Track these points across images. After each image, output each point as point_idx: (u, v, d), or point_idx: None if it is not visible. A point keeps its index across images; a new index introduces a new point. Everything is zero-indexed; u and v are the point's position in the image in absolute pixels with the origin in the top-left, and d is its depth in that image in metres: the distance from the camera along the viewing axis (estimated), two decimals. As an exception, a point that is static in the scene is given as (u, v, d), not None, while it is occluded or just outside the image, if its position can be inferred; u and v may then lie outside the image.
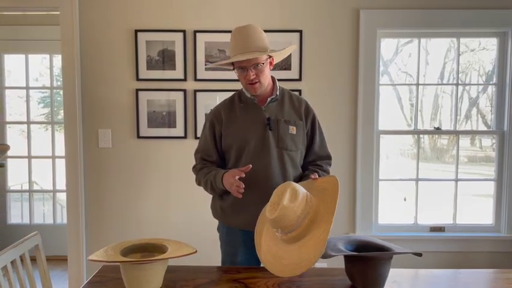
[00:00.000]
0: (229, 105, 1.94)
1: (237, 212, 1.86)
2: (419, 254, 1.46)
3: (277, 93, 1.91)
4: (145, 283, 1.44)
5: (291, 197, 1.50)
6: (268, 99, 1.89)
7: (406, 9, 2.86)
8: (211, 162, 1.94)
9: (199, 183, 1.96)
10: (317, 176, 1.74)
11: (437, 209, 3.21)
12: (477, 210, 3.32)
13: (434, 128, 3.10)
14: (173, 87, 2.88)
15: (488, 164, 3.28)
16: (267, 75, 1.86)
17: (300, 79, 2.87)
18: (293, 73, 2.86)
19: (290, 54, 2.80)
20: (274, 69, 2.03)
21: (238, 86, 1.98)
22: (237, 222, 1.87)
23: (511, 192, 3.00)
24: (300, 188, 1.55)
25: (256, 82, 1.81)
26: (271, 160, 1.83)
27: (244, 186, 1.70)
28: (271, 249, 1.58)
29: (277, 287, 1.52)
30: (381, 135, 3.01)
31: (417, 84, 3.05)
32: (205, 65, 2.86)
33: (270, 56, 1.86)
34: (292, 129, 1.87)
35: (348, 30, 2.88)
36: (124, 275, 1.46)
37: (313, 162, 1.96)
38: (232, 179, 1.72)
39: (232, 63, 1.86)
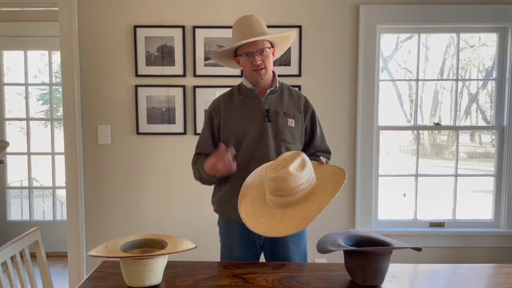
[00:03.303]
0: (228, 97, 1.95)
1: (234, 205, 1.86)
2: (419, 249, 1.46)
3: (277, 85, 1.91)
4: (144, 278, 1.44)
5: (299, 166, 1.51)
6: (268, 91, 1.89)
7: (406, 5, 2.86)
8: (205, 155, 1.93)
9: (195, 178, 1.96)
10: (324, 161, 1.74)
11: (437, 205, 3.22)
12: (476, 205, 3.33)
13: (434, 123, 3.09)
14: (173, 83, 2.88)
15: (487, 160, 3.28)
16: (271, 62, 1.87)
17: (299, 75, 2.86)
18: (293, 69, 2.85)
19: (290, 50, 2.80)
20: (274, 64, 2.03)
21: (237, 82, 1.98)
22: (235, 215, 1.87)
23: (510, 187, 3.00)
24: (309, 162, 1.56)
25: (262, 68, 1.82)
26: (269, 152, 1.83)
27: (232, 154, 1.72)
28: (254, 204, 1.60)
29: (276, 282, 1.52)
30: (381, 131, 3.00)
31: (417, 80, 3.05)
32: (205, 61, 2.86)
33: (272, 47, 1.88)
34: (291, 122, 1.87)
35: (348, 25, 2.87)
36: (124, 270, 1.46)
37: (314, 154, 1.96)
38: (213, 159, 1.73)
39: (235, 53, 1.87)
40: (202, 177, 1.88)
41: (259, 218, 1.55)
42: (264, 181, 1.61)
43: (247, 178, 1.74)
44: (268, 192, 1.55)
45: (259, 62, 1.80)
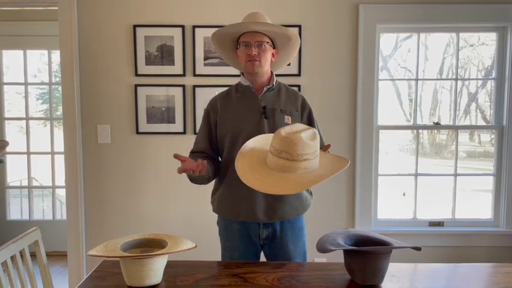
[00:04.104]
0: (226, 95, 1.97)
1: (233, 203, 1.86)
2: (418, 248, 1.47)
3: (274, 83, 1.93)
4: (144, 278, 1.44)
5: (310, 136, 1.54)
6: (265, 88, 1.90)
7: (405, 4, 2.86)
8: (199, 152, 1.93)
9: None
10: (329, 149, 1.75)
11: (436, 204, 3.22)
12: (476, 205, 3.33)
13: (433, 123, 3.10)
14: (172, 83, 2.88)
15: (487, 159, 3.28)
16: (268, 59, 1.88)
17: (299, 74, 2.87)
18: (292, 68, 2.85)
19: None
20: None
21: (237, 81, 1.98)
22: (234, 214, 1.87)
23: (509, 187, 3.00)
24: (319, 139, 1.59)
25: (256, 60, 1.83)
26: None
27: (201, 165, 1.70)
28: (252, 162, 1.60)
29: (276, 281, 1.52)
30: (380, 131, 3.01)
31: (417, 80, 3.05)
32: (205, 60, 2.86)
33: (274, 47, 1.90)
34: (288, 119, 1.88)
35: (348, 25, 2.88)
36: (124, 270, 1.46)
37: None
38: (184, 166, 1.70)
39: (238, 42, 1.89)
40: (192, 178, 1.85)
41: (255, 174, 1.55)
42: (265, 147, 1.63)
43: (248, 141, 1.73)
44: (272, 152, 1.55)
45: (254, 53, 1.82)
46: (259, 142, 1.71)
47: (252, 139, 1.74)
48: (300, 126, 1.60)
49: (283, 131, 1.54)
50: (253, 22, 1.81)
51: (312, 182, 1.48)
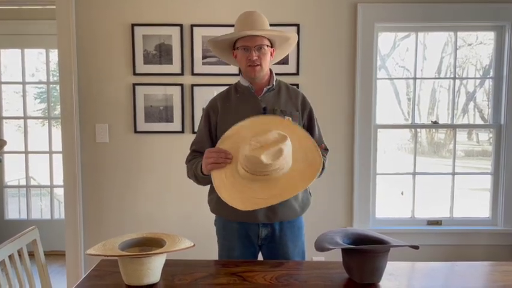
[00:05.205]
0: (226, 96, 1.95)
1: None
2: (416, 247, 1.47)
3: (274, 83, 1.91)
4: (143, 277, 1.44)
5: (273, 156, 1.56)
6: (265, 88, 1.89)
7: (404, 3, 2.86)
8: (202, 152, 1.93)
9: (188, 176, 1.95)
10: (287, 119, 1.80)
11: (434, 203, 3.22)
12: (474, 203, 3.33)
13: (432, 122, 3.10)
14: (171, 82, 2.87)
15: (485, 158, 3.29)
16: (268, 61, 1.87)
17: (297, 73, 2.87)
18: (291, 67, 2.85)
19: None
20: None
21: (236, 80, 1.98)
22: (233, 214, 1.86)
23: (507, 185, 3.01)
24: (287, 152, 1.59)
25: (257, 65, 1.82)
26: None
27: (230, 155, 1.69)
28: (234, 179, 1.65)
29: (274, 280, 1.52)
30: (378, 130, 3.01)
31: (415, 79, 3.05)
32: (203, 59, 2.85)
33: (272, 47, 1.88)
34: (288, 120, 1.87)
35: (346, 24, 2.88)
36: (122, 269, 1.46)
37: None
38: (207, 153, 1.70)
39: (234, 45, 1.87)
40: (197, 176, 1.83)
41: (237, 192, 1.63)
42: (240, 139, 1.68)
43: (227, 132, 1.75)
44: (241, 163, 1.61)
45: (255, 58, 1.80)
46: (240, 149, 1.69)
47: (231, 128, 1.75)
48: (271, 137, 1.61)
49: (249, 147, 1.57)
50: (253, 30, 1.79)
51: (267, 201, 1.58)
